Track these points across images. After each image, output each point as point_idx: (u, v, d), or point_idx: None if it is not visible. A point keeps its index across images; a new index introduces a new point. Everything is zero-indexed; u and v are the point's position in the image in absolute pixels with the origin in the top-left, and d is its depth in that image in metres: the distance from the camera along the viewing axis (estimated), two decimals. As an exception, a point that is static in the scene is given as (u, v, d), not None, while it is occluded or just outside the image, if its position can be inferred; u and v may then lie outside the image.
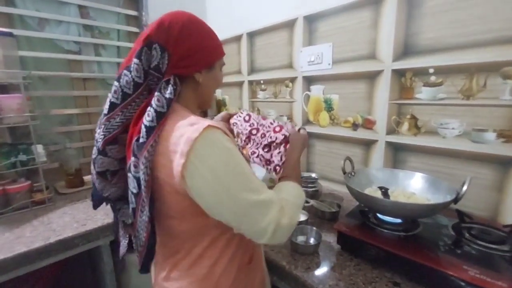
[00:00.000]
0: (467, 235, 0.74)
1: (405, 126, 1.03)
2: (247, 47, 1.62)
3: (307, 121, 1.39)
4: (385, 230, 0.78)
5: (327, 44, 1.22)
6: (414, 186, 0.89)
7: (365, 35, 1.09)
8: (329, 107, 1.28)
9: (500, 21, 0.79)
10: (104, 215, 1.05)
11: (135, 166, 0.48)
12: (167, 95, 0.49)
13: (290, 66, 1.41)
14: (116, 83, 0.52)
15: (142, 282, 1.17)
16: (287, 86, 1.45)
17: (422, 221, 0.82)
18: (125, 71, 0.51)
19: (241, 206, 0.47)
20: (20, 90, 1.13)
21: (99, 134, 0.53)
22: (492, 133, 0.84)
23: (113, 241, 1.05)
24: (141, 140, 0.47)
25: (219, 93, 1.93)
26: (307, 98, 1.36)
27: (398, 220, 0.80)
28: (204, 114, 1.93)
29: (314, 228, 0.85)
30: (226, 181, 0.46)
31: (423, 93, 0.97)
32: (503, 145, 0.82)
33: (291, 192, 0.58)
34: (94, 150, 0.54)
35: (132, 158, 0.48)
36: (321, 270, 0.72)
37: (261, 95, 1.61)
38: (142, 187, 0.47)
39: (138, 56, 0.50)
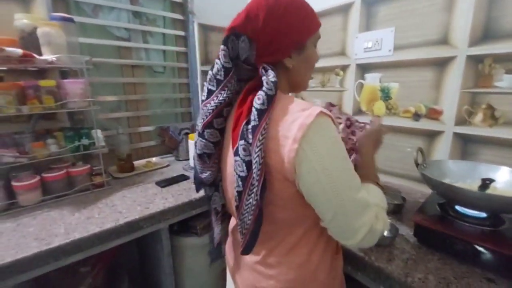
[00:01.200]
0: None
1: (479, 116, 0.97)
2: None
3: (358, 111, 1.34)
4: (468, 224, 0.74)
5: (389, 29, 1.16)
6: (496, 180, 0.83)
7: (436, 18, 1.02)
8: (386, 96, 1.22)
9: None
10: (163, 199, 1.07)
11: (245, 150, 0.48)
12: (272, 78, 0.49)
13: (342, 53, 1.35)
14: (210, 72, 0.55)
15: (195, 264, 1.20)
16: (337, 74, 1.40)
17: (506, 217, 0.77)
18: (216, 60, 0.54)
19: (342, 200, 0.46)
20: (79, 75, 1.16)
21: (199, 120, 0.58)
22: None
23: (172, 224, 1.07)
24: (252, 123, 0.47)
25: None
26: (360, 86, 1.31)
27: (483, 214, 0.75)
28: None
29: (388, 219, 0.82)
30: (333, 173, 0.46)
31: (505, 81, 0.90)
32: None
33: (378, 196, 0.56)
34: (196, 135, 0.59)
35: (241, 142, 0.48)
36: (404, 263, 0.70)
37: (306, 84, 1.57)
38: (255, 169, 0.46)
39: (225, 43, 0.52)
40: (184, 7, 1.60)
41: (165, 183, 1.18)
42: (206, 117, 0.56)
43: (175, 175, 1.31)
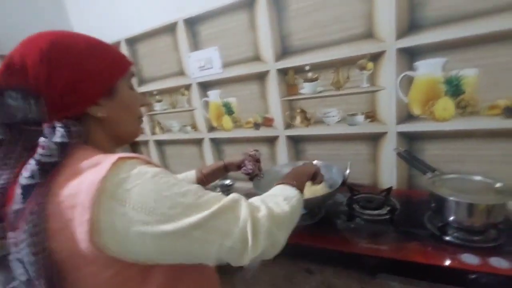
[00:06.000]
0: (357, 207, 0.86)
1: (298, 119, 1.12)
2: (128, 55, 1.44)
3: (211, 128, 1.36)
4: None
5: (213, 48, 1.19)
6: (313, 174, 0.98)
7: (247, 36, 1.11)
8: (229, 111, 1.27)
9: (351, 20, 0.92)
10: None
11: (16, 245, 0.35)
12: (57, 139, 0.38)
13: (181, 73, 1.33)
14: None
15: None
16: (183, 94, 1.37)
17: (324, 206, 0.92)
18: None
19: (196, 232, 0.37)
20: None
21: None
22: (361, 116, 1.00)
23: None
24: (14, 206, 0.35)
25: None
26: (206, 104, 1.32)
27: (304, 211, 0.87)
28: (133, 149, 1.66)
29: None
30: (164, 212, 0.36)
31: (305, 88, 1.06)
32: (370, 124, 0.99)
33: (274, 190, 0.53)
34: None
35: (11, 234, 0.36)
36: (252, 277, 0.73)
37: (158, 106, 1.48)
38: (32, 273, 0.34)
39: None
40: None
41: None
42: None
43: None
